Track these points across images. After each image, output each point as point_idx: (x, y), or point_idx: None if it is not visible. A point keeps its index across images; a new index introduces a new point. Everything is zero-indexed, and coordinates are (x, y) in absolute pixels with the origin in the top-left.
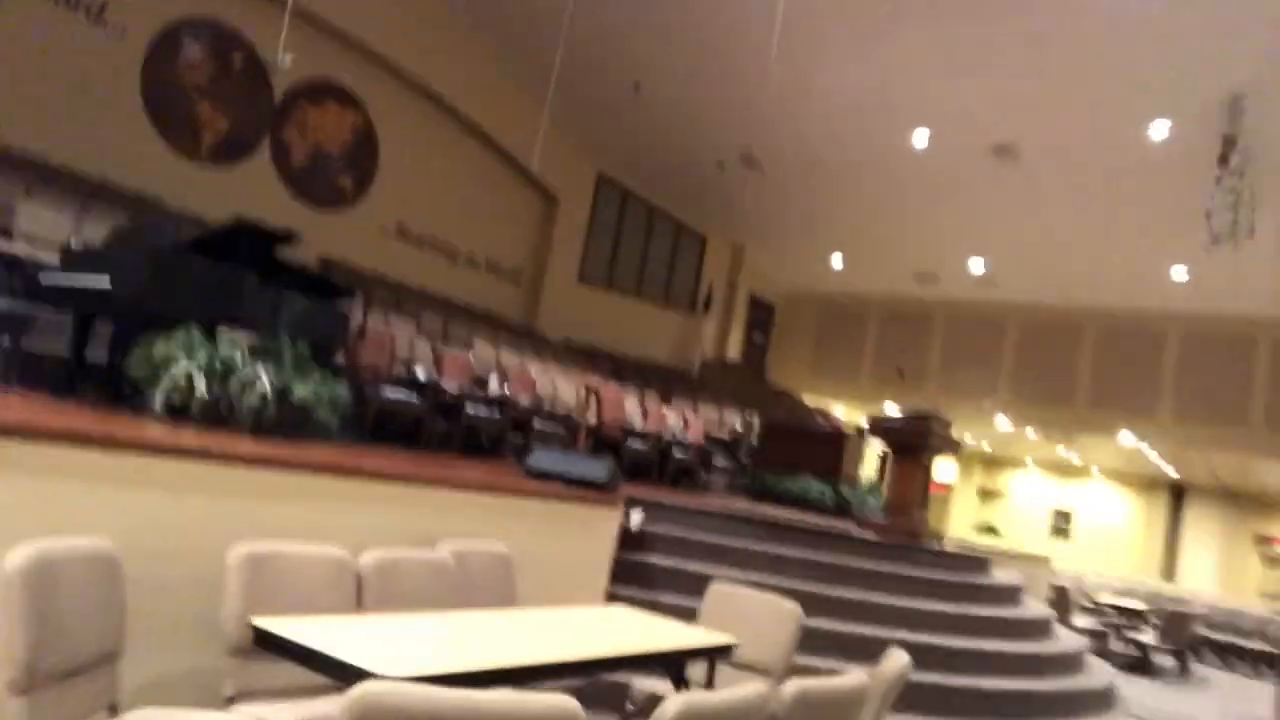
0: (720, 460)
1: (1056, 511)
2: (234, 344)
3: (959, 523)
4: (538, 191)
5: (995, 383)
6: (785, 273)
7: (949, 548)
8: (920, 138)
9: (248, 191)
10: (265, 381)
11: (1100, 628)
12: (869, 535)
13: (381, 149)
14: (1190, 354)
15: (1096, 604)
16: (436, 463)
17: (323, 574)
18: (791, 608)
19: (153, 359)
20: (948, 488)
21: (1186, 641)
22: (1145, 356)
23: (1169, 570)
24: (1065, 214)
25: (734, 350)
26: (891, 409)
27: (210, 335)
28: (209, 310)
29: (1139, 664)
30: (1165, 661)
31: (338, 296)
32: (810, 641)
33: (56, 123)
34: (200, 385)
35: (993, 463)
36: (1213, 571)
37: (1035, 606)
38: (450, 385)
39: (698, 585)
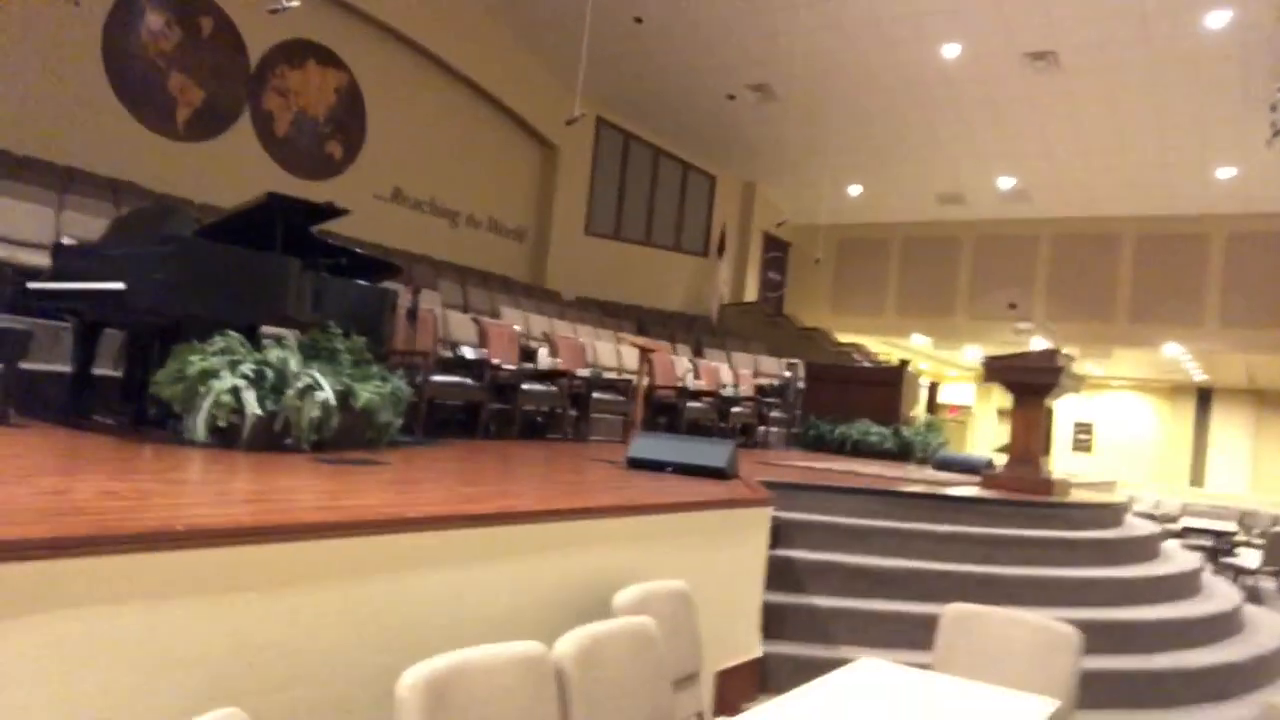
0: (775, 412)
1: (1076, 424)
2: (283, 347)
3: (980, 446)
4: (536, 142)
5: (1029, 305)
6: (801, 207)
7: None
8: (950, 50)
9: (232, 166)
10: (326, 388)
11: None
12: (999, 494)
13: (369, 109)
14: (1236, 256)
15: (1185, 529)
16: (527, 463)
17: (518, 685)
18: (1068, 633)
19: (188, 375)
20: (965, 409)
21: None
22: (1189, 263)
23: (1198, 476)
24: (1104, 119)
25: (751, 291)
26: (919, 340)
27: (252, 339)
28: (247, 308)
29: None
30: (1269, 586)
31: (381, 275)
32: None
33: (16, 107)
34: (251, 402)
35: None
36: (1246, 474)
37: (1177, 553)
38: (502, 362)
39: (849, 581)
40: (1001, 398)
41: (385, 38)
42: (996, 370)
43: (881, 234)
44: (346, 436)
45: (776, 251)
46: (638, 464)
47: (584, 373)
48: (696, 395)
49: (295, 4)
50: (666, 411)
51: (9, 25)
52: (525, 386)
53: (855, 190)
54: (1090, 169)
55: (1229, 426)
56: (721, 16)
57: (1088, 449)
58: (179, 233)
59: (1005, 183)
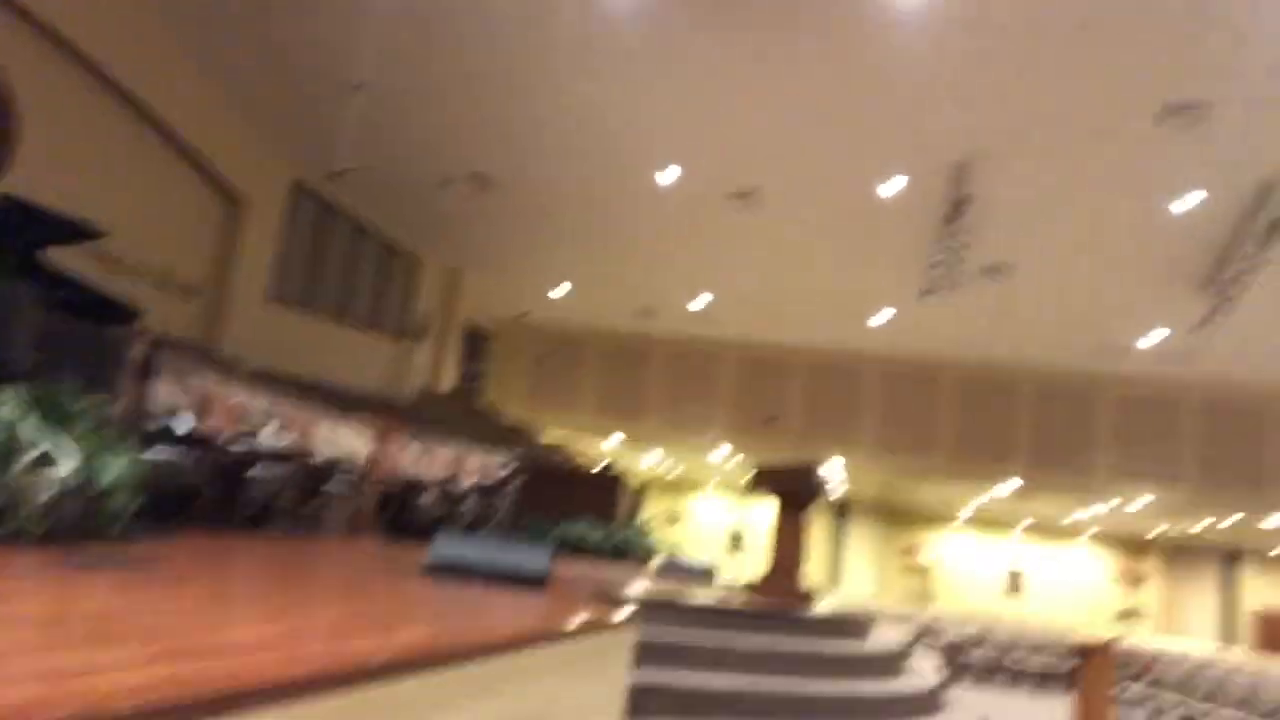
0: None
1: (732, 534)
2: (10, 402)
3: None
4: (220, 194)
5: (713, 417)
6: (505, 300)
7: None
8: (668, 175)
9: None
10: (64, 463)
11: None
12: (757, 604)
13: (26, 122)
14: (887, 389)
15: None
16: (276, 562)
17: None
18: None
19: None
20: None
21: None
22: (849, 392)
23: (835, 579)
24: (793, 258)
25: (448, 379)
26: (615, 439)
27: None
28: None
29: None
30: None
31: (112, 319)
32: None
33: None
34: None
35: (673, 486)
36: (870, 581)
37: (919, 671)
38: (227, 439)
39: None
40: (662, 500)
41: (55, 48)
42: (766, 481)
43: (583, 336)
44: (79, 523)
45: (477, 341)
46: (441, 569)
47: (320, 458)
48: (425, 488)
49: None
50: (391, 503)
51: None
52: (256, 471)
53: (561, 291)
54: (775, 299)
55: (860, 539)
56: (447, 95)
57: (740, 548)
58: None
59: (698, 302)
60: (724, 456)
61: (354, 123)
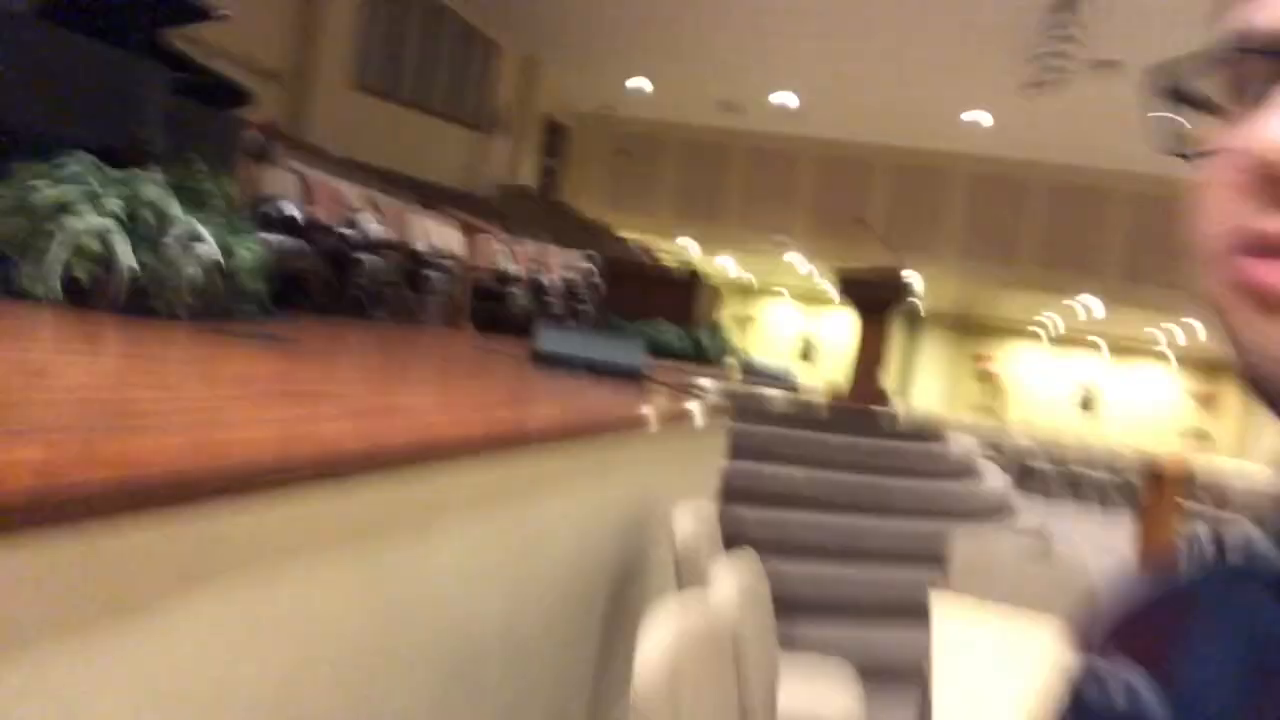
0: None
1: (803, 341)
2: (153, 182)
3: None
4: None
5: (792, 222)
6: (584, 94)
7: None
8: None
9: None
10: (210, 241)
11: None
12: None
13: None
14: (977, 196)
15: None
16: (393, 346)
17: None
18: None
19: (34, 206)
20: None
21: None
22: (935, 198)
23: (906, 390)
24: (885, 51)
25: (526, 176)
26: (689, 244)
27: (113, 168)
28: (97, 126)
29: None
30: None
31: (231, 103)
32: None
33: None
34: (126, 252)
35: (749, 291)
36: (941, 393)
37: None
38: (334, 225)
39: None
40: (740, 304)
41: None
42: (850, 286)
43: (662, 132)
44: (219, 303)
45: (555, 136)
46: (546, 360)
47: (420, 247)
48: (515, 282)
49: None
50: (488, 298)
51: None
52: (361, 257)
53: (641, 84)
54: (864, 97)
55: (934, 351)
56: None
57: (809, 359)
58: (8, 9)
59: (782, 97)
60: (799, 262)
61: None
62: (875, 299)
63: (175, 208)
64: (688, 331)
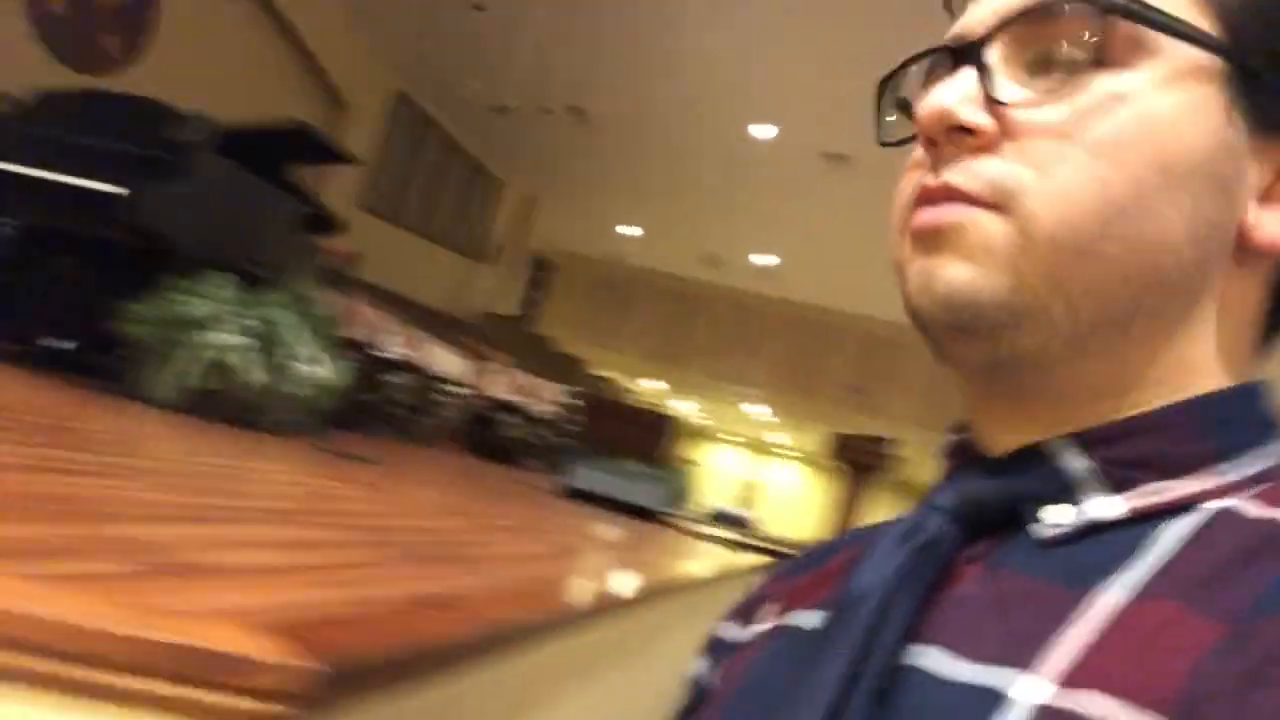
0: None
1: (744, 486)
2: (281, 305)
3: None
4: (326, 96)
5: (755, 374)
6: (572, 233)
7: None
8: (764, 130)
9: None
10: (327, 363)
11: None
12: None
13: (163, 14)
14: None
15: None
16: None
17: None
18: None
19: (176, 318)
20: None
21: None
22: (897, 368)
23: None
24: (872, 228)
25: (508, 306)
26: (653, 384)
27: (249, 287)
28: (243, 249)
29: None
30: None
31: (326, 229)
32: None
33: None
34: (255, 368)
35: (698, 434)
36: None
37: None
38: (369, 345)
39: None
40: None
41: None
42: (844, 450)
43: (643, 277)
44: (313, 419)
45: (540, 270)
46: (578, 494)
47: (439, 369)
48: (509, 410)
49: None
50: (479, 423)
51: None
52: (389, 378)
53: (630, 230)
54: (844, 266)
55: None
56: (563, 29)
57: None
58: (192, 140)
59: (764, 259)
60: (763, 414)
61: (466, 42)
62: (863, 463)
63: (298, 329)
64: (656, 469)
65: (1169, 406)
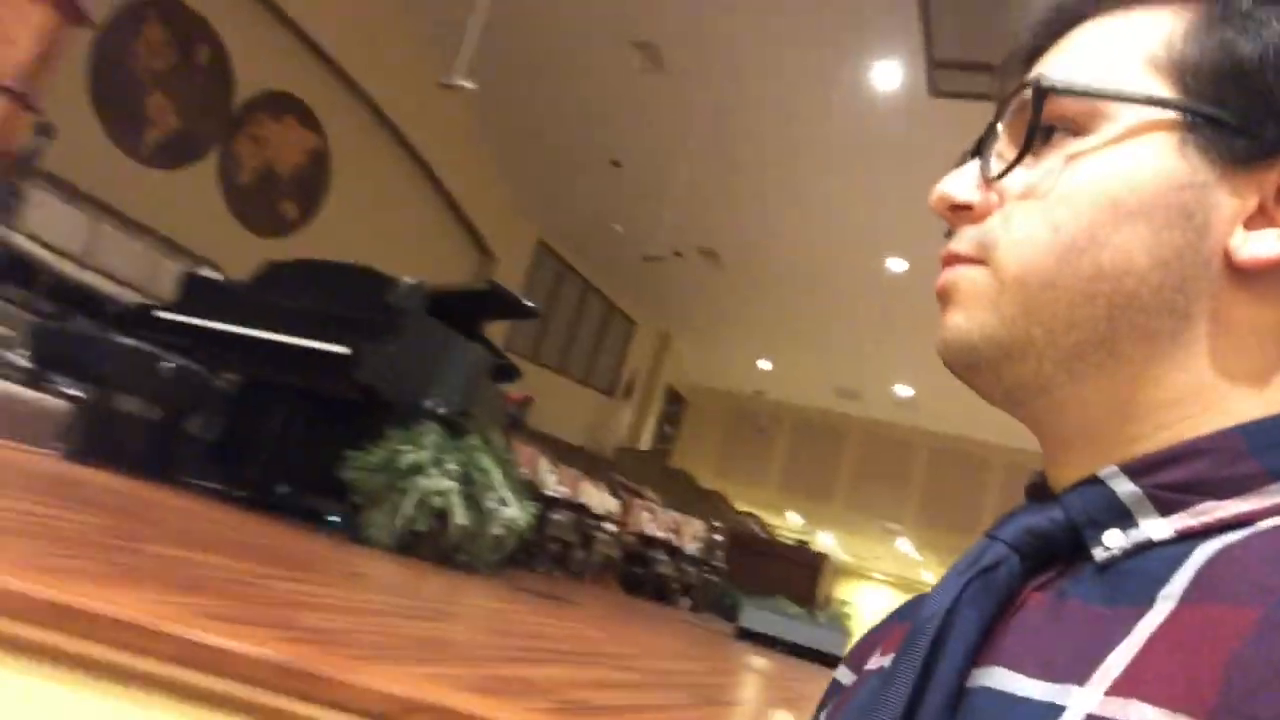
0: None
1: None
2: (483, 451)
3: None
4: (476, 248)
5: (902, 508)
6: (706, 368)
7: None
8: (895, 264)
9: (184, 201)
10: (515, 506)
11: None
12: None
13: (334, 178)
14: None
15: None
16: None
17: None
18: None
19: (396, 466)
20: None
21: None
22: None
23: None
24: None
25: (644, 440)
26: (795, 519)
27: (453, 436)
28: (448, 400)
29: None
30: None
31: (506, 377)
32: None
33: None
34: (459, 511)
35: (844, 572)
36: None
37: None
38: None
39: None
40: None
41: (363, 108)
42: None
43: (779, 410)
44: (483, 556)
45: (674, 405)
46: (748, 635)
47: (594, 506)
48: (658, 547)
49: (472, 87)
50: (631, 560)
51: None
52: (554, 516)
53: (763, 364)
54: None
55: None
56: (695, 180)
57: None
58: (403, 304)
59: (902, 390)
60: (909, 550)
61: (605, 194)
62: None
63: (497, 474)
64: (810, 611)
65: (1216, 433)
